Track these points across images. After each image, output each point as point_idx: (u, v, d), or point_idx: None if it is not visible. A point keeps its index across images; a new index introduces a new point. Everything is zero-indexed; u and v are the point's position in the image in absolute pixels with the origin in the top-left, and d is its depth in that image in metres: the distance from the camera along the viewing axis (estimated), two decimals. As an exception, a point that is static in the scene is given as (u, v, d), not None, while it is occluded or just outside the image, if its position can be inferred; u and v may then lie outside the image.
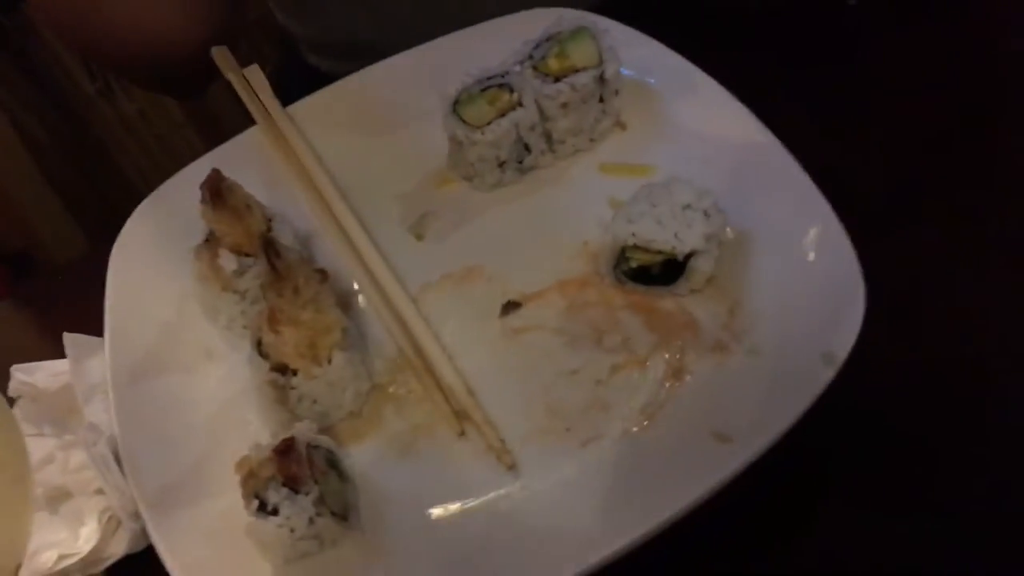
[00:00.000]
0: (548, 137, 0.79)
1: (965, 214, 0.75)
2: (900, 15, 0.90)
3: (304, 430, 0.61)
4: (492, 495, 0.62)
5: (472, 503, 0.63)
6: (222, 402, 0.70)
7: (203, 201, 0.68)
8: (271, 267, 0.61)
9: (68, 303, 0.88)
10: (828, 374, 0.59)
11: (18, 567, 0.47)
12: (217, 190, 0.67)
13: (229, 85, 0.85)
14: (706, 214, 0.67)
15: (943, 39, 0.88)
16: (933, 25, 0.88)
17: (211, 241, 0.72)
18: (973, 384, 0.66)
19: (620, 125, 0.80)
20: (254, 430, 0.68)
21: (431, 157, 0.82)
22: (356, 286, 0.74)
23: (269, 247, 0.62)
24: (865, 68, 0.87)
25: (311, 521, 0.57)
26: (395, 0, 1.02)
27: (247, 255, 0.70)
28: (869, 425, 0.65)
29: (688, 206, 0.67)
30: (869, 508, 0.62)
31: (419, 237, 0.78)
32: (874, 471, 0.63)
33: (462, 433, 0.65)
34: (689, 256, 0.66)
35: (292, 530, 0.57)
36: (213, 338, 0.74)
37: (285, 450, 0.58)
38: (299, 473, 0.58)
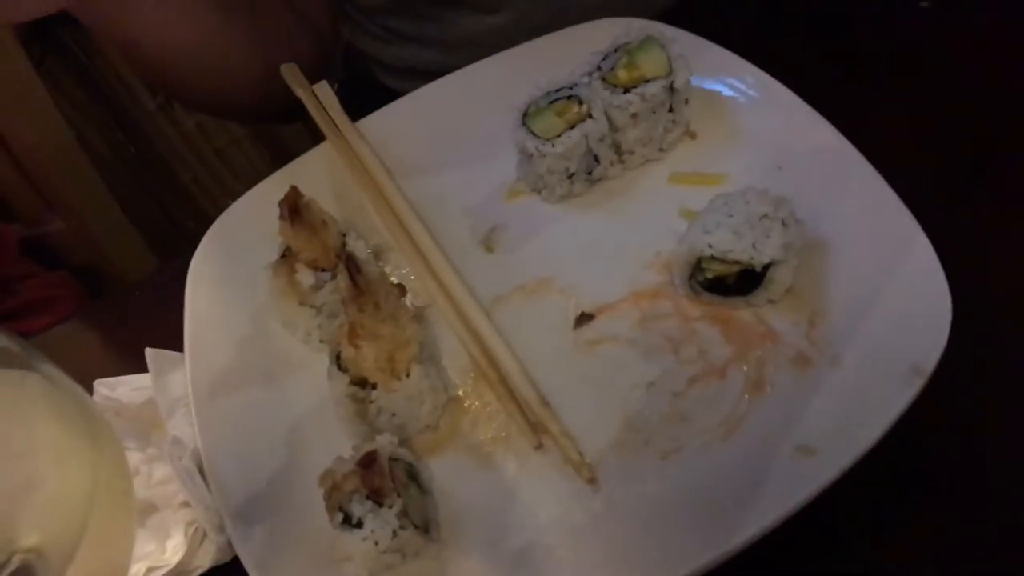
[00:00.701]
0: (617, 148, 0.79)
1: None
2: (972, 16, 0.88)
3: (385, 443, 0.61)
4: (571, 508, 0.62)
5: (551, 516, 0.63)
6: (301, 415, 0.71)
7: (281, 217, 0.70)
8: (352, 282, 0.62)
9: (141, 318, 0.89)
10: (916, 385, 0.58)
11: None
12: (295, 207, 0.68)
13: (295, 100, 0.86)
14: (784, 223, 0.66)
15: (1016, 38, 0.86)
16: (1008, 20, 0.86)
17: (288, 256, 0.73)
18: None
19: (690, 134, 0.80)
20: (334, 443, 0.68)
21: (500, 170, 0.82)
22: (429, 300, 0.75)
23: (351, 262, 0.62)
24: (939, 71, 0.85)
25: (395, 534, 0.58)
26: (477, 36, 1.03)
27: (324, 270, 0.71)
28: (951, 439, 0.63)
29: (765, 215, 0.66)
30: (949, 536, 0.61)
31: (489, 249, 0.78)
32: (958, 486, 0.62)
33: (540, 446, 0.65)
34: (767, 266, 0.65)
35: (376, 543, 0.58)
36: (290, 353, 0.75)
37: (368, 463, 0.59)
38: (382, 486, 0.58)
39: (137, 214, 1.93)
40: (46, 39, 1.83)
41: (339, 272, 0.70)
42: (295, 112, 0.86)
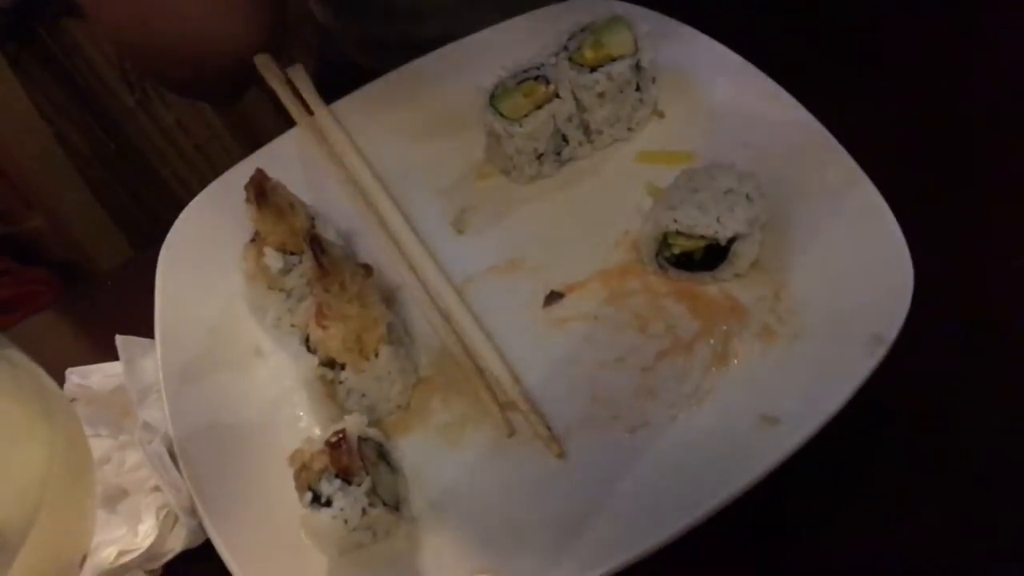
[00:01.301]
0: (586, 128, 0.79)
1: (1013, 190, 0.74)
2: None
3: (354, 423, 0.61)
4: (541, 484, 0.63)
5: (521, 492, 0.63)
6: (272, 399, 0.71)
7: (248, 201, 0.70)
8: (317, 263, 0.62)
9: (115, 307, 0.89)
10: (877, 355, 0.59)
11: (84, 559, 0.48)
12: (261, 189, 0.68)
13: (269, 91, 0.86)
14: (748, 198, 0.66)
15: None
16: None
17: (257, 241, 0.73)
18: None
19: (658, 114, 0.80)
20: (304, 426, 0.69)
21: (470, 152, 0.83)
22: (400, 281, 0.75)
23: (315, 243, 0.62)
24: (902, 44, 0.86)
25: (364, 512, 0.58)
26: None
27: (292, 253, 0.71)
28: (914, 409, 0.64)
29: (730, 190, 0.66)
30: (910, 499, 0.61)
31: (460, 231, 0.78)
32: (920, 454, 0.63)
33: (512, 433, 0.65)
34: (732, 241, 0.66)
35: (346, 521, 0.58)
36: (261, 337, 0.75)
37: (337, 443, 0.59)
38: (351, 464, 0.59)
39: (116, 210, 1.93)
40: (22, 36, 1.81)
41: (304, 255, 0.70)
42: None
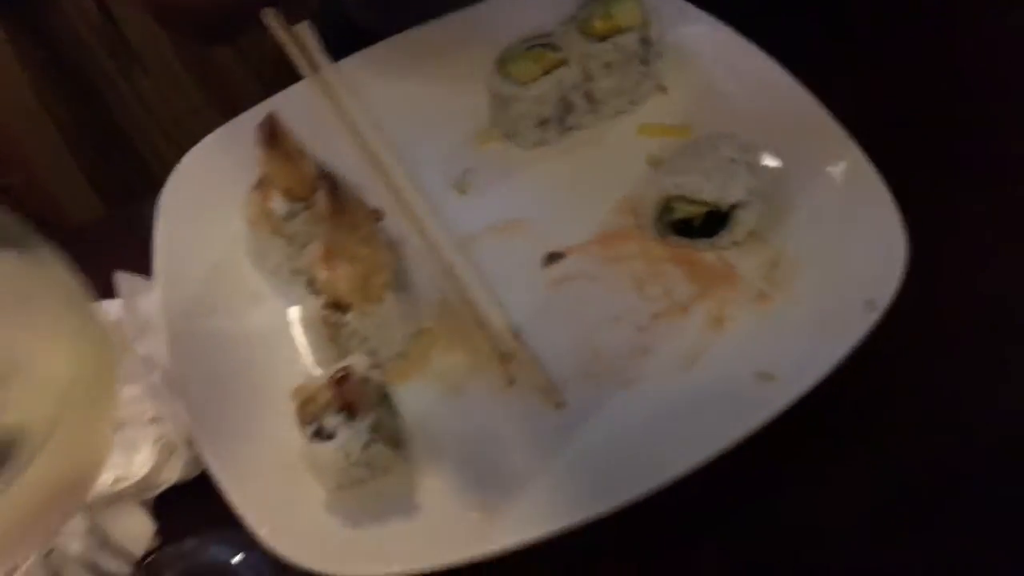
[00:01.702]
0: (590, 98, 0.80)
1: (1005, 164, 0.77)
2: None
3: (359, 362, 0.62)
4: (539, 432, 0.64)
5: (518, 439, 0.64)
6: (271, 341, 0.71)
7: (258, 143, 0.70)
8: (332, 198, 0.62)
9: (94, 256, 0.88)
10: (870, 320, 0.61)
11: (96, 476, 0.48)
12: (273, 132, 0.69)
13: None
14: (749, 167, 0.69)
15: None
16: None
17: (262, 186, 0.73)
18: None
19: (661, 88, 0.82)
20: (301, 368, 0.69)
21: (473, 116, 0.84)
22: (402, 235, 0.75)
23: (329, 180, 0.63)
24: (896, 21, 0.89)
25: (366, 446, 0.59)
26: None
27: (298, 200, 0.72)
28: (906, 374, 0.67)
29: (733, 159, 0.69)
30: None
31: (462, 192, 0.80)
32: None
33: (511, 382, 0.67)
34: (732, 208, 0.68)
35: (347, 454, 0.59)
36: (260, 282, 0.75)
37: (343, 377, 0.60)
38: (356, 399, 0.59)
39: (92, 175, 1.91)
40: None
41: (314, 200, 0.71)
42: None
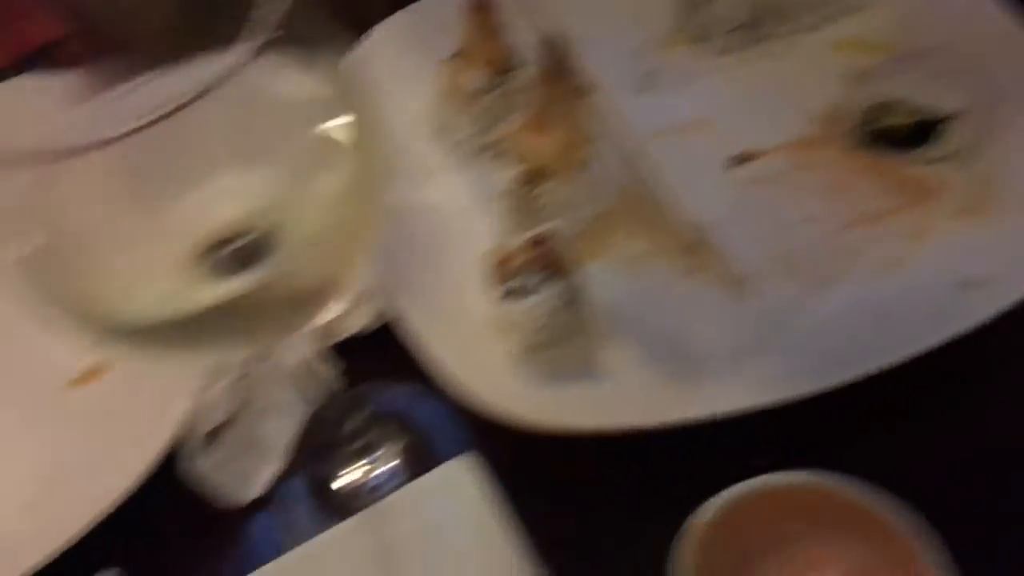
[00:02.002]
0: (783, 12, 0.79)
1: None
2: None
3: (556, 227, 0.62)
4: (720, 321, 0.64)
5: (701, 328, 0.64)
6: (457, 210, 0.72)
7: (466, 10, 0.70)
8: (555, 60, 0.62)
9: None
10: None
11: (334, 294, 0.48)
12: (483, 1, 0.69)
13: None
14: (963, 80, 0.66)
15: None
16: None
17: (457, 58, 0.73)
18: None
19: (859, 6, 0.80)
20: (487, 237, 0.70)
21: (656, 20, 0.83)
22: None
23: (550, 44, 0.63)
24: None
25: (564, 306, 0.59)
26: None
27: (498, 73, 0.72)
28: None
29: (946, 71, 0.67)
30: None
31: (646, 90, 0.79)
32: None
33: (694, 271, 0.66)
34: (943, 120, 0.66)
35: (545, 313, 0.59)
36: (443, 154, 0.76)
37: (543, 239, 0.60)
38: (555, 260, 0.60)
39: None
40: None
41: (509, 77, 0.71)
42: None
